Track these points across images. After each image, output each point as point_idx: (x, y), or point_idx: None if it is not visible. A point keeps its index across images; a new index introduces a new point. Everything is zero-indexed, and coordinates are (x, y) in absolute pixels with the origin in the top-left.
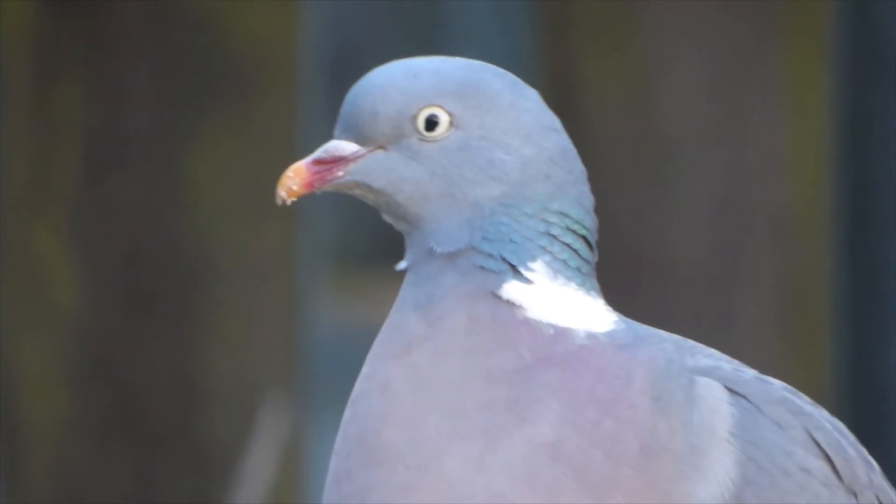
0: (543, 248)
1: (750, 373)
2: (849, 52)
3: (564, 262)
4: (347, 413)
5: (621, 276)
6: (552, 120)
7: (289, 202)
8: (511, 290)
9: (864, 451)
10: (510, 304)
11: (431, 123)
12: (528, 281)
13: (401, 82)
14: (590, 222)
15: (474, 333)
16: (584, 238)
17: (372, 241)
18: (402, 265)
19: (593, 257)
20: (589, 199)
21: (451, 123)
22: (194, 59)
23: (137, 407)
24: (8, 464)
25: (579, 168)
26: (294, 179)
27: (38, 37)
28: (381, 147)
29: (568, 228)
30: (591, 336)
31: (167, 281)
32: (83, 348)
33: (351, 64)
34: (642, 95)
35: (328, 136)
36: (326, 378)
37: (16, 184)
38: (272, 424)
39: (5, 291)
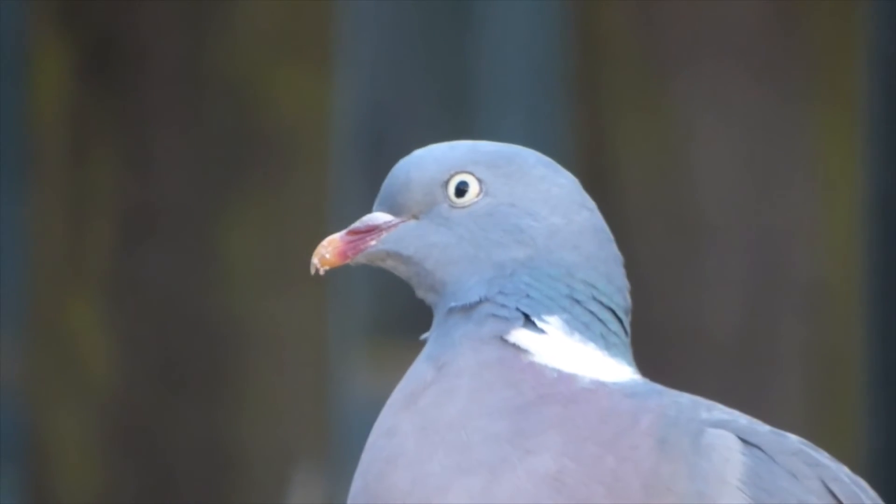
0: (563, 308)
1: (766, 427)
2: (882, 123)
3: (585, 325)
4: (357, 471)
5: (652, 347)
6: (586, 199)
7: (322, 272)
8: (519, 335)
9: None
10: (516, 349)
11: (461, 190)
12: (540, 331)
13: (437, 153)
14: (620, 300)
15: (478, 375)
16: (613, 312)
17: (404, 313)
18: (426, 335)
19: (623, 332)
20: (622, 281)
21: (481, 190)
22: (227, 133)
23: (171, 478)
24: None
25: (613, 250)
26: (328, 249)
27: (71, 113)
28: (415, 217)
29: (594, 298)
30: (598, 383)
31: (200, 353)
32: (117, 420)
33: (383, 139)
34: (674, 167)
35: (359, 209)
36: (359, 450)
37: (50, 256)
38: (305, 496)
39: (40, 363)
